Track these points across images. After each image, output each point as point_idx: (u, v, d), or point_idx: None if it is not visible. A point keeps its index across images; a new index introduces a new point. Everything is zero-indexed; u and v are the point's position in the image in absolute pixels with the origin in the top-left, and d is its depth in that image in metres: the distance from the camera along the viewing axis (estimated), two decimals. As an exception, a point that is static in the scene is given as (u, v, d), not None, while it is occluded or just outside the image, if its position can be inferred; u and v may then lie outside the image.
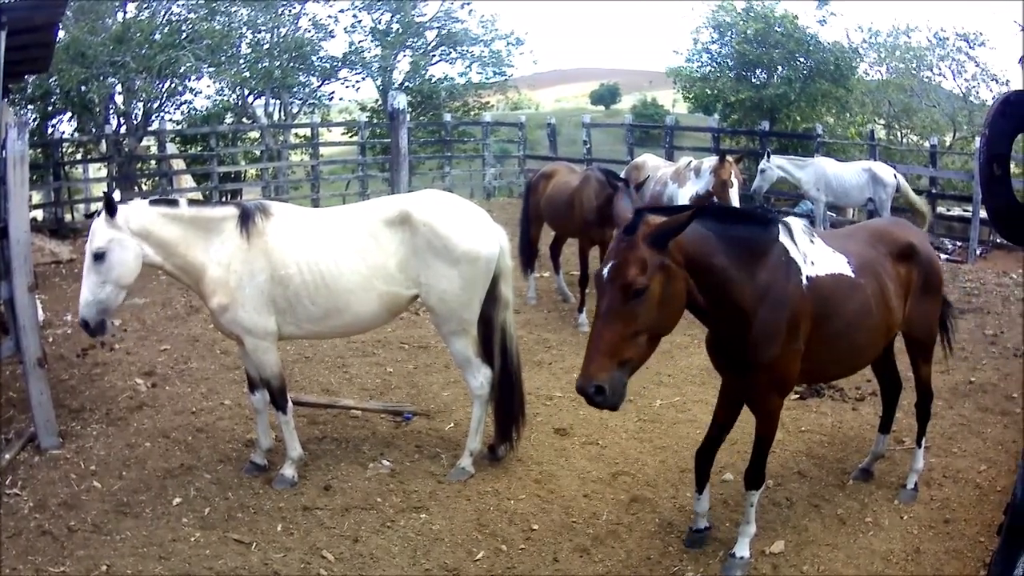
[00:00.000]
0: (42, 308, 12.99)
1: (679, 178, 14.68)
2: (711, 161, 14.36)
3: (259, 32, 31.78)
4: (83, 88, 24.52)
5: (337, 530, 7.15)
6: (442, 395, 10.26)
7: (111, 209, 7.12)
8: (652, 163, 15.95)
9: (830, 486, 7.75)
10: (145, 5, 27.66)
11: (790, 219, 6.24)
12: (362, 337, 11.61)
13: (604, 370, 5.00)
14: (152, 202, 7.50)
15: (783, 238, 5.95)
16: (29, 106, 25.63)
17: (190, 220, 7.47)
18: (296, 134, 31.20)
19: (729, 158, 14.17)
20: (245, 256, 7.48)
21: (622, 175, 13.60)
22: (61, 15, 17.09)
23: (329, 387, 10.55)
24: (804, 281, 5.91)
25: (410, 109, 28.52)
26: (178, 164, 25.65)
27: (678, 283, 5.26)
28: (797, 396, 9.97)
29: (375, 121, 31.99)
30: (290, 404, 8.11)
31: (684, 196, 14.37)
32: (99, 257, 7.09)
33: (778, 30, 31.49)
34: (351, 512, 7.43)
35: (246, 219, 7.54)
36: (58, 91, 24.94)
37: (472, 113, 36.55)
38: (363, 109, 35.40)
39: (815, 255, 6.13)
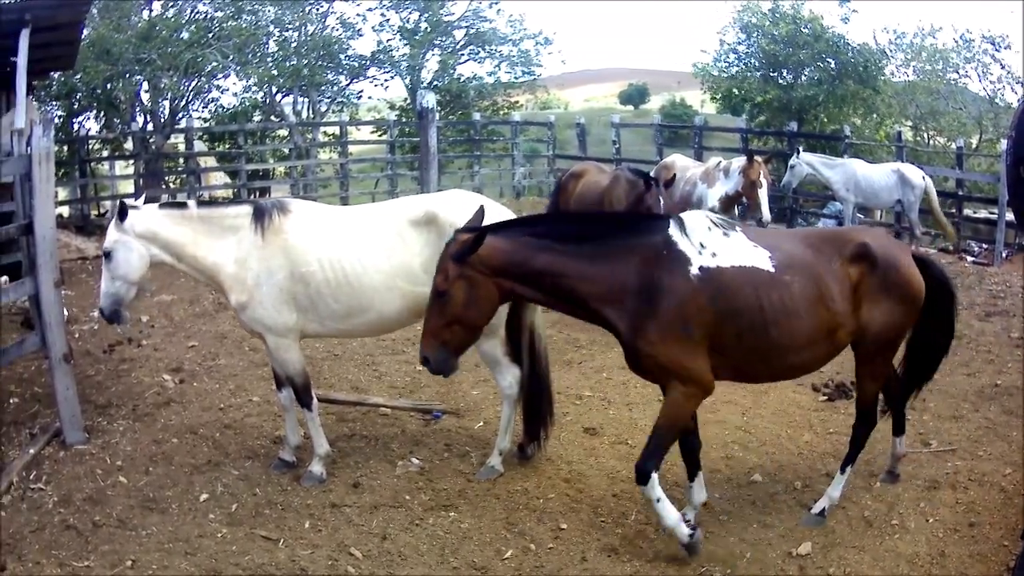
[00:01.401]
0: (66, 303, 13.14)
1: (708, 178, 14.66)
2: (740, 161, 14.38)
3: (286, 30, 31.90)
4: (108, 85, 24.72)
5: (365, 527, 7.15)
6: (472, 393, 10.24)
7: (122, 214, 7.52)
8: (681, 163, 15.83)
9: (857, 488, 7.69)
10: (171, 3, 27.83)
11: (687, 213, 6.67)
12: (392, 335, 11.52)
13: (429, 347, 6.30)
14: (161, 205, 7.83)
15: (672, 231, 6.38)
16: (54, 103, 25.85)
17: (200, 220, 7.69)
18: (325, 132, 31.20)
19: (758, 158, 14.20)
20: (261, 254, 7.59)
21: (651, 173, 13.49)
22: (85, 13, 17.26)
23: (359, 385, 10.54)
24: (695, 271, 6.25)
25: (439, 108, 28.50)
26: (206, 162, 25.75)
27: (482, 288, 6.24)
28: (825, 398, 9.96)
29: (404, 120, 32.05)
30: (315, 401, 8.13)
31: (713, 197, 14.38)
32: (107, 256, 7.60)
33: (805, 31, 31.64)
34: (380, 510, 7.43)
35: (261, 217, 7.66)
36: (83, 88, 25.11)
37: (501, 112, 36.47)
38: (392, 108, 35.35)
39: (720, 247, 6.38)
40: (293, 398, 8.13)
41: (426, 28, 34.69)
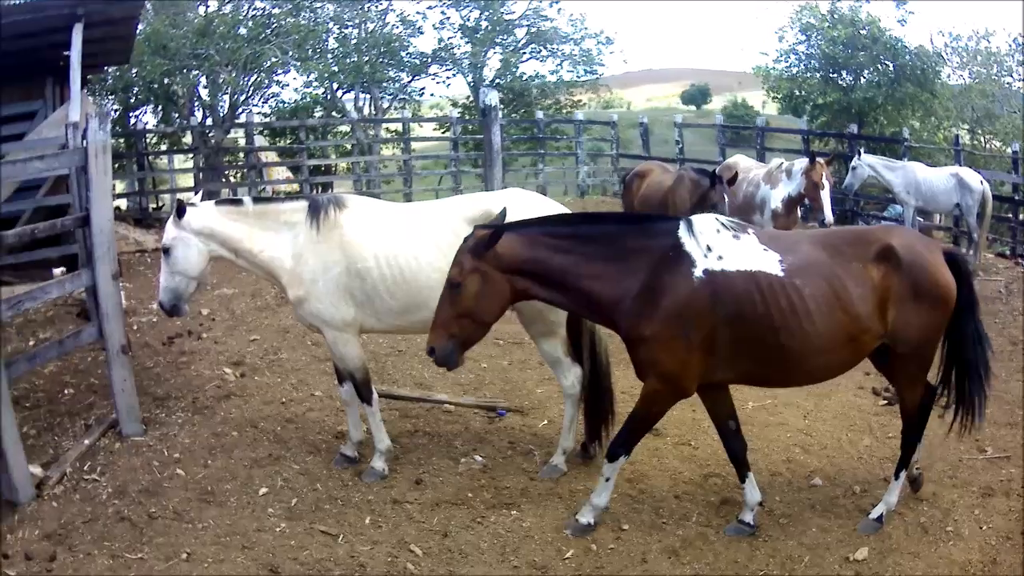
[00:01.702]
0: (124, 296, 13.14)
1: (771, 179, 14.61)
2: (802, 163, 14.26)
3: (346, 27, 31.98)
4: (166, 80, 24.85)
5: (426, 524, 7.15)
6: (536, 392, 10.15)
7: (180, 211, 7.75)
8: (744, 164, 15.81)
9: (914, 494, 7.63)
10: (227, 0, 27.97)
11: (697, 216, 6.79)
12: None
13: (437, 338, 6.43)
14: (218, 202, 8.05)
15: (681, 233, 6.51)
16: (110, 97, 26.01)
17: (256, 216, 7.87)
18: (387, 129, 31.23)
19: (820, 160, 14.07)
20: (317, 249, 7.68)
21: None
22: (140, 8, 17.40)
23: (423, 381, 10.45)
24: (698, 272, 6.37)
25: (502, 106, 28.47)
26: (267, 157, 25.83)
27: (494, 284, 6.43)
28: (885, 402, 9.86)
29: (467, 117, 32.05)
30: (375, 396, 8.10)
31: (776, 198, 14.33)
32: (165, 252, 7.83)
33: (863, 33, 31.53)
34: (441, 507, 7.42)
35: (316, 212, 7.75)
36: (140, 83, 25.28)
37: (564, 111, 36.34)
38: (455, 105, 35.36)
39: (727, 250, 6.46)
40: (355, 393, 8.12)
41: (487, 26, 34.64)
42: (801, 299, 6.34)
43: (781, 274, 6.38)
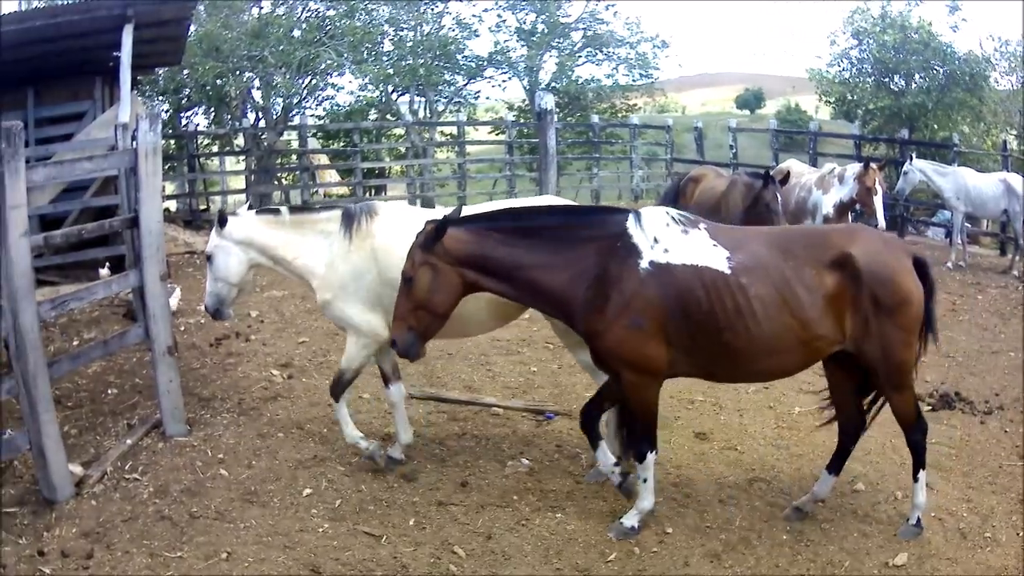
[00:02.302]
0: (178, 296, 13.23)
1: (823, 184, 14.84)
2: (855, 168, 14.51)
3: (401, 30, 32.21)
4: (218, 82, 25.08)
5: (471, 526, 7.16)
6: (585, 396, 9.82)
7: (221, 221, 8.15)
8: (797, 169, 15.99)
9: (955, 499, 7.71)
10: (281, 2, 28.17)
11: (647, 209, 6.94)
12: (507, 335, 11.47)
13: (397, 330, 6.69)
14: (257, 211, 8.38)
15: (629, 225, 6.61)
16: (160, 98, 26.28)
17: (293, 225, 8.17)
18: (442, 132, 31.37)
19: (873, 165, 14.26)
20: (350, 257, 7.88)
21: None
22: (191, 10, 17.59)
23: (471, 384, 10.43)
24: (644, 265, 6.47)
25: (557, 110, 28.53)
26: (320, 159, 25.96)
27: (445, 277, 6.62)
28: (929, 408, 9.84)
29: (522, 120, 32.09)
30: (344, 398, 8.26)
31: (828, 203, 14.56)
32: (209, 259, 8.29)
33: (914, 37, 31.66)
34: (486, 509, 7.43)
35: (349, 221, 7.95)
36: (192, 84, 25.53)
37: (619, 115, 36.56)
38: (510, 108, 35.45)
39: (674, 244, 6.55)
40: (403, 394, 8.34)
41: (543, 30, 34.85)
42: (746, 299, 6.40)
43: (727, 271, 6.44)
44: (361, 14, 29.44)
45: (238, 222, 8.13)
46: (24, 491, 7.51)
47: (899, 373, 6.76)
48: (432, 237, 6.59)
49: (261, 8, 27.91)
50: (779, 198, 11.94)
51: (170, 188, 23.00)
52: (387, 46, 31.77)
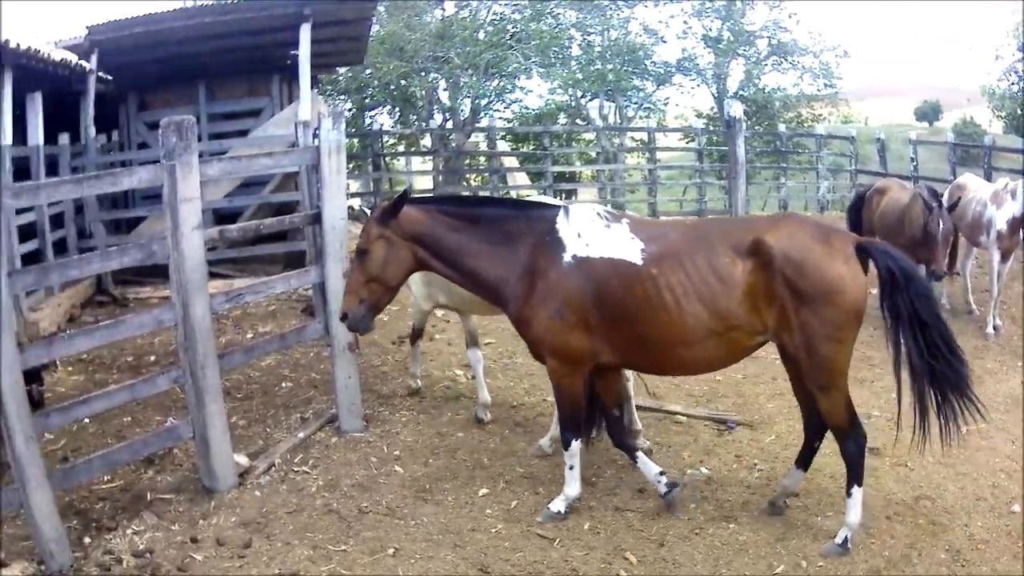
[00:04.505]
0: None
1: (997, 199, 14.37)
2: None
3: (589, 35, 32.39)
4: (403, 82, 25.47)
5: (645, 533, 7.14)
6: (767, 406, 10.06)
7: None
8: (973, 184, 15.73)
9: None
10: (464, 4, 28.48)
11: (576, 204, 7.35)
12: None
13: (349, 303, 7.11)
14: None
15: (559, 220, 6.96)
16: (342, 97, 26.80)
17: None
18: (632, 137, 31.33)
19: None
20: None
21: (945, 193, 14.09)
22: (372, 10, 17.87)
23: (656, 391, 10.23)
24: (568, 258, 6.81)
25: (745, 118, 28.31)
26: (510, 162, 26.15)
27: (397, 250, 7.07)
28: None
29: (711, 128, 31.95)
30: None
31: (1001, 218, 14.07)
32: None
33: None
34: (661, 516, 7.40)
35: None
36: (375, 84, 25.96)
37: (805, 125, 36.38)
38: (699, 115, 35.42)
39: (595, 238, 6.84)
40: (480, 357, 9.35)
41: (729, 37, 34.99)
42: (656, 289, 6.58)
43: (639, 263, 6.67)
44: (547, 18, 29.67)
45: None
46: (182, 479, 7.72)
47: (823, 371, 6.58)
48: (389, 212, 7.03)
49: (444, 11, 28.31)
50: (941, 224, 12.24)
51: (355, 186, 23.39)
52: (575, 51, 32.00)
